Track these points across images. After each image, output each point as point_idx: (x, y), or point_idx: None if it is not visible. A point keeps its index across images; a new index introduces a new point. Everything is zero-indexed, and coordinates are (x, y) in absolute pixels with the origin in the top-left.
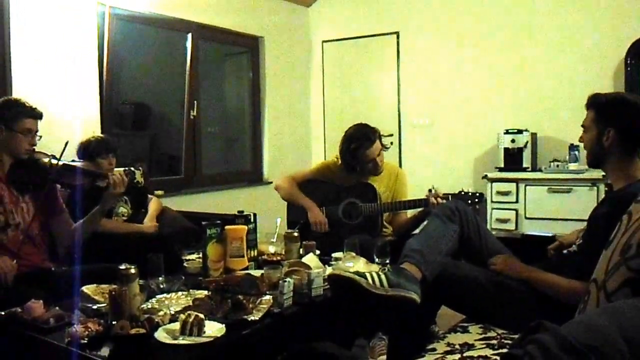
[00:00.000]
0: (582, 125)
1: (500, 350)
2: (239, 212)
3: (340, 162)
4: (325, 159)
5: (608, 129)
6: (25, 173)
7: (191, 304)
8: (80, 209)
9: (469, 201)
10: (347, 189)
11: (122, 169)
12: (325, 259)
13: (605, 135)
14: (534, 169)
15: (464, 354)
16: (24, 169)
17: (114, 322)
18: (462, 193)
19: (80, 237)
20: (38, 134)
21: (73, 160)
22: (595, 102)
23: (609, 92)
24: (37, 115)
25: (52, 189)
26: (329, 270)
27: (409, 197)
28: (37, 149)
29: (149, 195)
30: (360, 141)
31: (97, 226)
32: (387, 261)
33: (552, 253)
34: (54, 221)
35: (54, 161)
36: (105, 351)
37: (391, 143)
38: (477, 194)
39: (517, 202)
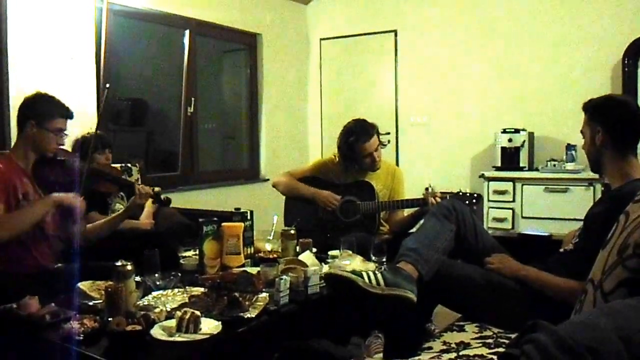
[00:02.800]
0: (581, 132)
1: (496, 349)
2: (235, 209)
3: (337, 159)
4: (322, 156)
5: (598, 129)
6: (51, 172)
7: (187, 300)
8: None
9: (467, 202)
10: (345, 186)
11: (119, 164)
12: (321, 257)
13: (596, 136)
14: (531, 168)
15: (460, 353)
16: (50, 168)
17: (110, 319)
18: (460, 193)
19: (93, 240)
20: (65, 132)
21: (93, 164)
22: (587, 106)
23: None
24: (70, 115)
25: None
26: (325, 268)
27: (405, 196)
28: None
29: None
30: (358, 135)
31: (112, 231)
32: (384, 259)
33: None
34: (68, 222)
35: (81, 164)
36: (100, 348)
37: (388, 141)
38: (475, 195)
39: (513, 201)
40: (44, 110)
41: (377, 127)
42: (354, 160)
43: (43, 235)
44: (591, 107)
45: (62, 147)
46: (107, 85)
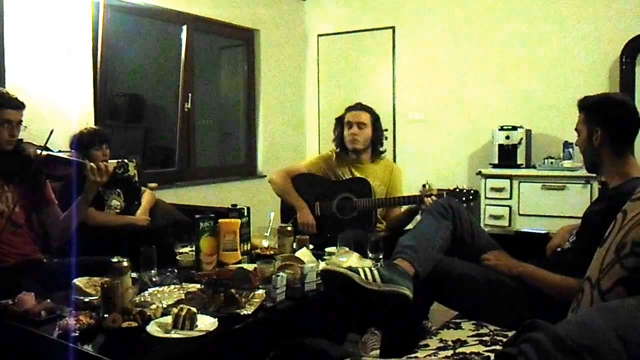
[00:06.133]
0: (576, 129)
1: (492, 347)
2: (232, 205)
3: (334, 155)
4: (319, 152)
5: (596, 128)
6: (8, 163)
7: (183, 297)
8: (71, 200)
9: (464, 198)
10: (342, 183)
11: (114, 160)
12: (318, 254)
13: (594, 135)
14: (528, 165)
15: (457, 350)
16: (7, 159)
17: (105, 315)
18: (457, 190)
19: (69, 228)
20: (23, 124)
21: (59, 151)
22: (584, 104)
23: (598, 93)
24: (15, 105)
25: (40, 180)
26: (322, 265)
27: (403, 192)
28: (27, 139)
29: (142, 188)
30: (348, 108)
31: (83, 216)
32: (381, 256)
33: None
34: (44, 213)
35: (38, 151)
36: (96, 344)
37: (386, 138)
38: (472, 191)
39: (510, 198)
40: None
41: (374, 110)
42: (341, 137)
43: (12, 223)
44: (589, 107)
45: (14, 137)
46: (52, 130)
